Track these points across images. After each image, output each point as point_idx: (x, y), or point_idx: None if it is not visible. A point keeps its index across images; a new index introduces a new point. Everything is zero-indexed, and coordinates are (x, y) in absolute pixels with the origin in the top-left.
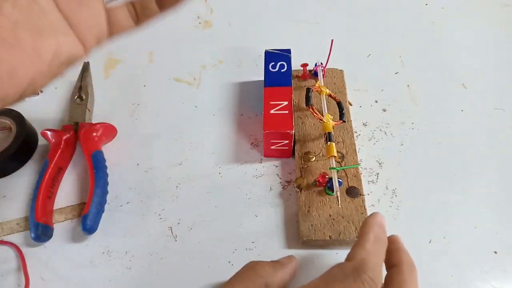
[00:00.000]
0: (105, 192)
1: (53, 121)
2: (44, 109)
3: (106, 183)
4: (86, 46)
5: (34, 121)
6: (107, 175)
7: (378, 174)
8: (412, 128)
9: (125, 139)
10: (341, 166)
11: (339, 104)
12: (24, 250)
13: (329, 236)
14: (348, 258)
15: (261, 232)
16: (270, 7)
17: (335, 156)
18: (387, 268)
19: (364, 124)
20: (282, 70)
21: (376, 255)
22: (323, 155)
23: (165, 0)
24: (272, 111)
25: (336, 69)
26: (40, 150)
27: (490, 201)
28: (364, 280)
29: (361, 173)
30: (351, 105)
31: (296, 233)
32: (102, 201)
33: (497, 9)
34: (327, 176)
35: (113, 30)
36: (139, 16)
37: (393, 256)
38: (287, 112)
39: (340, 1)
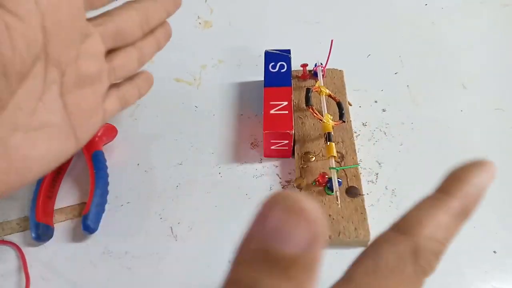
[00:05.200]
0: (105, 192)
1: None
2: None
3: (107, 183)
4: (79, 145)
5: None
6: (107, 175)
7: (377, 174)
8: (412, 128)
9: (125, 139)
10: (341, 166)
11: (339, 104)
12: (25, 250)
13: (329, 236)
14: (405, 230)
15: None
16: (270, 7)
17: (334, 156)
18: None
19: (364, 124)
20: (282, 70)
21: None
22: (323, 155)
23: (144, 88)
24: (272, 111)
25: (336, 69)
26: None
27: (490, 201)
28: (425, 263)
29: (360, 173)
30: (350, 105)
31: None
32: (103, 201)
33: (497, 9)
34: (326, 176)
35: (105, 117)
36: (127, 101)
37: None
38: (287, 112)
39: (340, 1)
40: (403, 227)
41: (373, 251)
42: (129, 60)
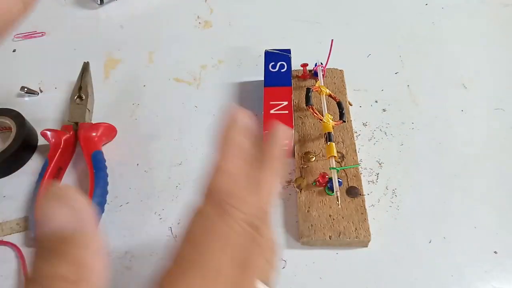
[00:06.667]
0: (105, 192)
1: (53, 121)
2: (44, 109)
3: (106, 183)
4: None
5: (34, 121)
6: (107, 175)
7: (378, 174)
8: (412, 128)
9: (125, 139)
10: (341, 166)
11: (339, 104)
12: (24, 250)
13: (329, 236)
14: (207, 193)
15: None
16: (270, 7)
17: (335, 156)
18: None
19: (364, 124)
20: (282, 70)
21: (241, 174)
22: (323, 155)
23: None
24: (272, 111)
25: (336, 69)
26: (40, 150)
27: (490, 201)
28: (233, 215)
29: (361, 173)
30: (351, 105)
31: (296, 233)
32: (102, 201)
33: (497, 9)
34: (327, 176)
35: (6, 27)
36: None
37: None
38: (287, 112)
39: (340, 1)
40: (202, 194)
41: (186, 225)
42: None
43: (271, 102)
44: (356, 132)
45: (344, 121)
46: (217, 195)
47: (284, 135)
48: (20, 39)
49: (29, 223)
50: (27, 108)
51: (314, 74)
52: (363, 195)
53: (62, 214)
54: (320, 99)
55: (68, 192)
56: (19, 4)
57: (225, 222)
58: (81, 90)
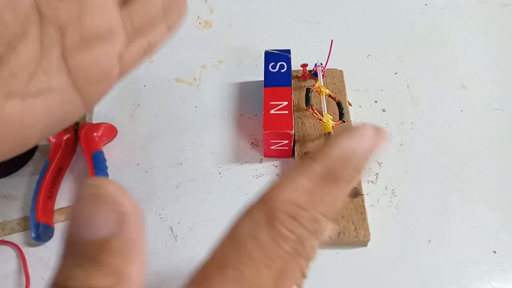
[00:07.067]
0: None
1: None
2: None
3: None
4: (88, 108)
5: None
6: (107, 175)
7: (377, 174)
8: (412, 128)
9: (125, 139)
10: None
11: (339, 104)
12: (25, 250)
13: (329, 236)
14: (265, 198)
15: None
16: (270, 7)
17: None
18: None
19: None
20: (282, 70)
21: (308, 189)
22: None
23: (172, 20)
24: (272, 111)
25: (336, 69)
26: (40, 150)
27: (490, 201)
28: (282, 233)
29: None
30: (350, 105)
31: None
32: None
33: (497, 9)
34: None
35: (123, 73)
36: (152, 47)
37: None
38: (287, 112)
39: (340, 1)
40: (262, 195)
41: (233, 222)
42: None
43: (271, 102)
44: None
45: (344, 121)
46: (272, 205)
47: (377, 141)
48: None
49: (30, 223)
50: None
51: (314, 74)
52: (362, 195)
53: (102, 218)
54: (320, 99)
55: (111, 190)
56: (80, 106)
57: (272, 237)
58: None
